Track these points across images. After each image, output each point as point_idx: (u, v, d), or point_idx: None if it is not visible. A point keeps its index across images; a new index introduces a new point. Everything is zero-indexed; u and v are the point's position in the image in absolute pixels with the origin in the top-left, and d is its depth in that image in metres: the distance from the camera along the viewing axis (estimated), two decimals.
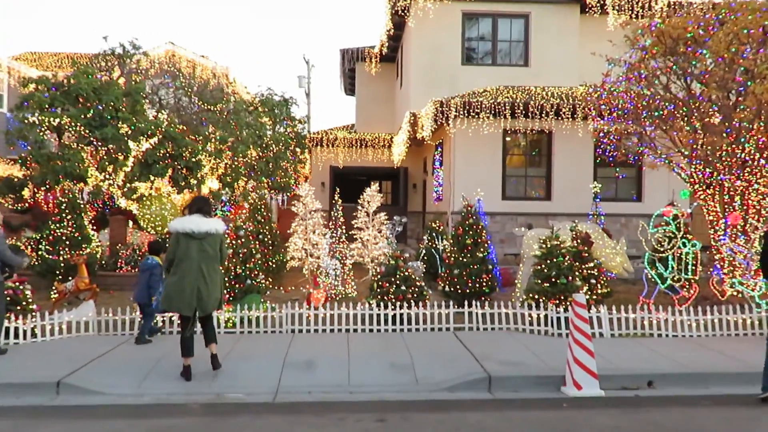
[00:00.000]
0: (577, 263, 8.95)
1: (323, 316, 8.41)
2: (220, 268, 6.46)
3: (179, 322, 6.48)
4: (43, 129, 12.50)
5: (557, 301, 8.26)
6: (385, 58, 20.42)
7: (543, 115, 13.43)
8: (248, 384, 6.21)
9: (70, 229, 11.12)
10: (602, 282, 9.23)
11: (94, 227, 13.53)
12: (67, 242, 11.05)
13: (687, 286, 8.99)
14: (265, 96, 15.46)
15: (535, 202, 14.23)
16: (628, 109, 9.65)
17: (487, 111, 13.35)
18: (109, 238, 13.50)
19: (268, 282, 12.05)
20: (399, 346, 7.54)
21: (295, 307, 8.42)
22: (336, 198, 11.80)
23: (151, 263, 7.47)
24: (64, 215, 11.16)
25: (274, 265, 12.18)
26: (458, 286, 9.45)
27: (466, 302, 8.79)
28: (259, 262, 9.52)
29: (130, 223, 14.02)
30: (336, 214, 11.64)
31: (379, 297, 8.66)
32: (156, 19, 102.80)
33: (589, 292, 8.79)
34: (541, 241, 8.80)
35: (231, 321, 8.32)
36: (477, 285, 9.43)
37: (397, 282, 8.68)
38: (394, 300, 8.52)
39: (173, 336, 8.02)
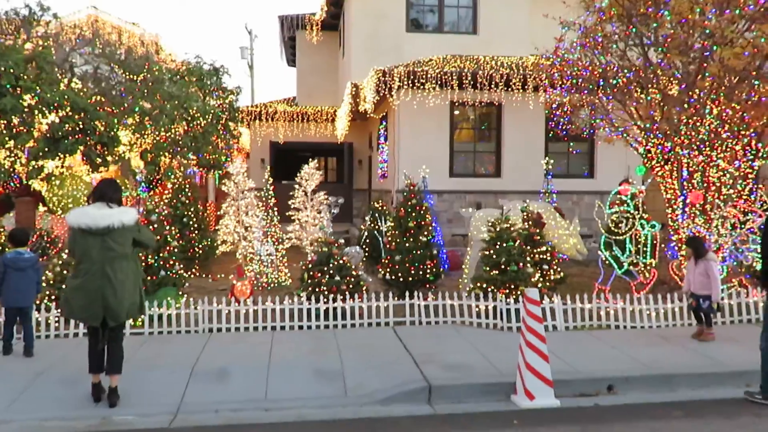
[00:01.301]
0: (529, 247, 8.18)
1: (245, 312, 7.40)
2: (138, 264, 5.31)
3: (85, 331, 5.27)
4: None
5: (507, 291, 7.47)
6: (327, 26, 19.17)
7: (492, 86, 12.57)
8: (144, 401, 5.18)
9: None
10: (555, 267, 8.50)
11: None
12: None
13: (644, 271, 8.34)
14: (192, 64, 14.07)
15: (484, 180, 13.44)
16: (583, 78, 8.84)
17: (433, 81, 12.40)
18: (15, 222, 12.04)
19: (193, 272, 10.95)
20: (329, 347, 6.61)
21: (213, 303, 7.37)
22: (267, 176, 10.69)
23: (28, 258, 6.17)
24: None
25: (200, 252, 11.03)
26: (400, 274, 8.56)
27: (407, 293, 7.93)
28: (176, 249, 8.40)
29: (41, 206, 12.58)
30: (267, 193, 10.52)
31: (309, 289, 7.70)
32: None
33: (542, 279, 8.03)
34: (490, 223, 7.97)
35: (138, 320, 7.22)
36: (420, 272, 8.56)
37: (331, 272, 7.73)
38: (326, 292, 7.57)
39: (62, 342, 6.88)
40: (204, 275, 11.16)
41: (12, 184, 12.61)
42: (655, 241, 8.18)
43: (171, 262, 8.26)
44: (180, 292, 8.46)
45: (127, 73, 13.70)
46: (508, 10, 15.27)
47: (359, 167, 19.47)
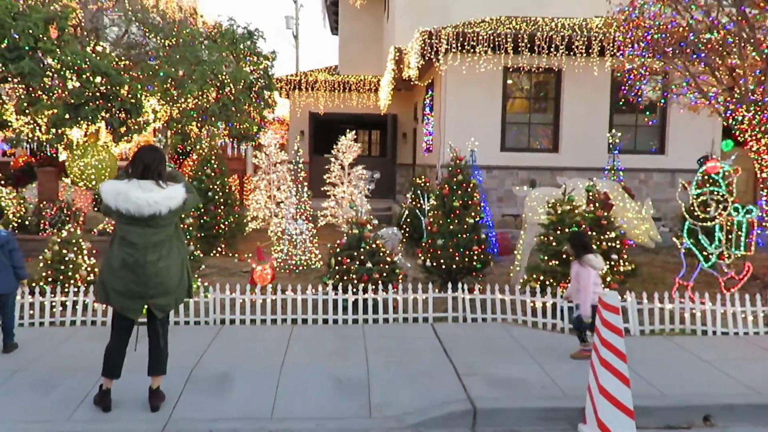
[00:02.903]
0: (595, 233, 6.93)
1: (261, 302, 6.44)
2: (182, 237, 4.42)
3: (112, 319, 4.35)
4: None
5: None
6: None
7: (552, 50, 11.19)
8: (127, 414, 4.28)
9: None
10: (625, 257, 7.23)
11: (16, 182, 11.51)
12: None
13: (736, 265, 7.00)
14: (225, 28, 13.08)
15: (539, 155, 12.12)
16: (666, 33, 7.42)
17: (485, 44, 11.09)
18: (38, 194, 11.44)
19: (218, 251, 10.09)
20: (355, 347, 5.59)
21: (226, 290, 6.44)
22: (297, 147, 9.67)
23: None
24: None
25: (226, 229, 10.14)
26: (442, 261, 7.43)
27: (450, 283, 6.84)
28: (191, 228, 7.49)
29: (64, 177, 11.94)
30: (296, 166, 9.51)
31: (337, 277, 6.68)
32: None
33: (610, 271, 6.79)
34: (549, 205, 6.76)
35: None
36: (466, 259, 7.42)
37: (362, 257, 6.68)
38: (356, 281, 6.54)
39: (56, 331, 6.06)
40: (231, 254, 10.29)
41: (34, 153, 12.03)
42: (751, 230, 6.80)
43: (185, 242, 7.36)
44: (196, 276, 7.61)
45: (158, 38, 12.84)
46: None
47: (403, 140, 18.32)
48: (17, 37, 10.37)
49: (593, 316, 5.15)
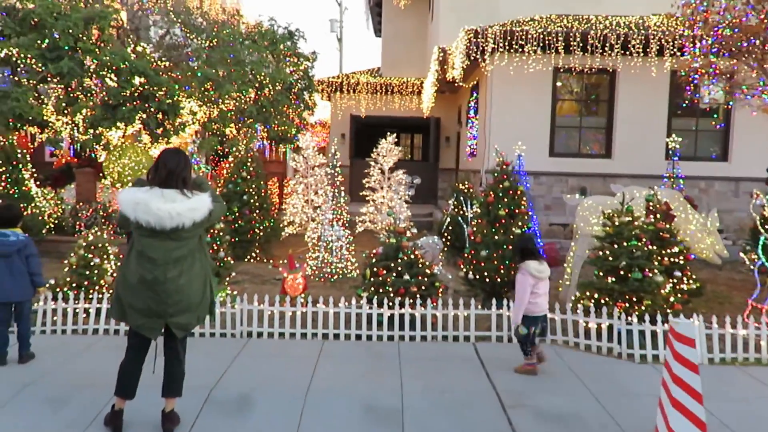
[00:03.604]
0: (656, 248, 6.29)
1: (291, 314, 6.03)
2: (206, 251, 3.97)
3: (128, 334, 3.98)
4: None
5: (627, 305, 5.69)
6: None
7: (606, 49, 10.52)
8: None
9: (3, 184, 8.92)
10: (689, 274, 6.58)
11: (54, 182, 11.46)
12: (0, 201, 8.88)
13: None
14: (265, 28, 12.85)
15: (590, 160, 11.43)
16: (741, 29, 6.72)
17: (534, 43, 10.51)
18: (75, 195, 11.37)
19: (253, 256, 9.77)
20: (389, 368, 5.12)
21: (254, 301, 6.06)
22: (335, 149, 9.27)
23: (15, 241, 4.96)
24: None
25: (260, 234, 9.82)
26: (486, 274, 6.90)
27: (495, 298, 6.31)
28: (221, 233, 7.16)
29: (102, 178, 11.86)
30: (334, 170, 9.11)
31: (372, 289, 6.22)
32: None
33: (673, 290, 6.14)
34: (605, 215, 6.16)
35: None
36: (512, 272, 6.86)
37: (399, 269, 6.21)
38: (392, 294, 6.07)
39: (77, 340, 5.77)
40: (265, 260, 9.96)
41: (77, 154, 12.00)
42: None
43: (215, 247, 7.05)
44: (226, 283, 7.28)
45: (199, 38, 12.69)
46: None
47: (446, 144, 17.79)
48: (57, 36, 10.32)
49: (537, 328, 5.01)
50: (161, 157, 3.79)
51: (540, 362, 5.15)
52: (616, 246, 5.87)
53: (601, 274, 5.93)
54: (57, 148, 11.48)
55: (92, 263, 6.33)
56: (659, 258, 6.20)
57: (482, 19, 12.19)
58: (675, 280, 6.30)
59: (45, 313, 6.01)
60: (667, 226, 6.57)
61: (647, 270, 5.71)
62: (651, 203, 6.73)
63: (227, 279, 7.40)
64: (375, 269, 6.29)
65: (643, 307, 5.64)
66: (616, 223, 5.93)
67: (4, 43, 10.23)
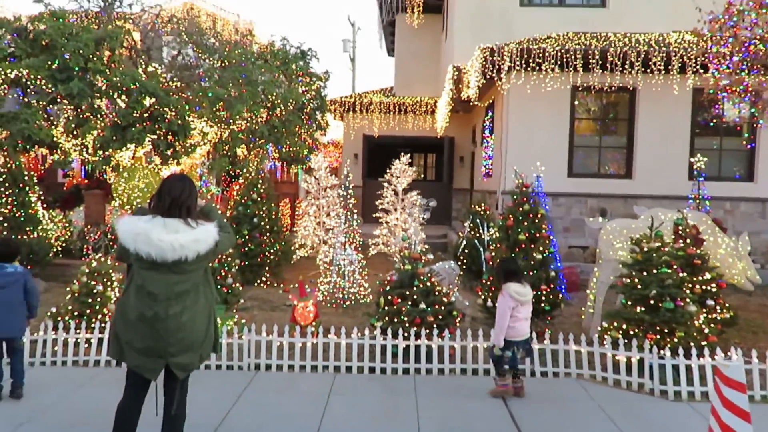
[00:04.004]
0: (688, 275, 5.94)
1: (301, 345, 5.73)
2: (211, 284, 3.66)
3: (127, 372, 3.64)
4: None
5: (658, 337, 5.33)
6: (429, 7, 17.36)
7: (626, 67, 10.23)
8: None
9: (9, 207, 8.74)
10: (722, 302, 6.21)
11: (63, 204, 11.30)
12: (6, 224, 8.70)
13: None
14: (277, 48, 12.71)
15: (610, 181, 11.08)
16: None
17: (552, 61, 10.24)
18: (84, 217, 11.19)
19: (263, 280, 9.49)
20: (404, 407, 4.79)
21: (262, 332, 5.76)
22: (346, 171, 9.02)
23: (12, 272, 4.67)
24: (2, 189, 8.76)
25: (271, 257, 9.54)
26: None
27: None
28: (230, 258, 6.90)
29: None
30: (346, 192, 8.86)
31: (386, 318, 5.91)
32: None
33: (706, 321, 5.77)
34: (633, 240, 5.83)
35: None
36: (533, 301, 6.53)
37: (414, 297, 5.91)
38: (407, 324, 5.76)
39: (77, 373, 5.50)
40: (276, 284, 9.68)
41: (89, 175, 11.86)
42: None
43: (223, 273, 6.79)
44: (234, 311, 7.01)
45: (211, 59, 12.58)
46: None
47: (460, 164, 17.52)
48: (68, 57, 10.21)
49: (518, 352, 4.87)
50: (164, 184, 3.53)
51: (517, 396, 4.97)
52: (645, 273, 5.53)
53: (629, 303, 5.58)
54: (67, 170, 11.33)
55: (95, 290, 6.08)
56: (691, 286, 5.84)
57: (497, 37, 11.95)
58: (708, 310, 5.93)
59: (45, 344, 5.76)
60: (698, 251, 6.22)
61: (680, 299, 5.36)
62: (680, 227, 6.39)
63: (235, 306, 7.13)
64: (389, 297, 5.98)
65: (675, 339, 5.29)
66: (645, 249, 5.60)
67: (14, 64, 10.14)
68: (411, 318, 5.77)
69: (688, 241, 6.28)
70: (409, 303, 5.88)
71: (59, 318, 5.99)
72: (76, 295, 6.08)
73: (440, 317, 5.86)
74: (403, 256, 6.18)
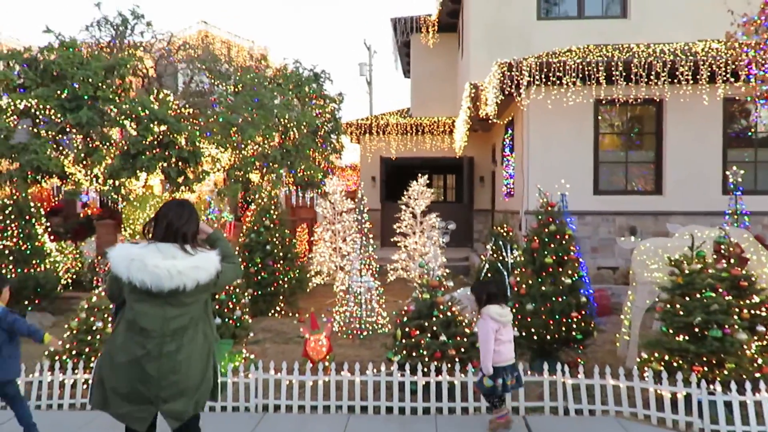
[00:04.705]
0: (734, 298, 5.40)
1: (312, 383, 5.30)
2: (210, 320, 3.29)
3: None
4: (8, 114, 10.03)
5: (706, 369, 4.80)
6: (444, 27, 17.12)
7: (651, 78, 9.78)
8: None
9: (15, 240, 8.50)
10: None
11: (75, 235, 11.08)
12: (11, 257, 8.44)
13: None
14: (290, 70, 12.49)
15: (639, 197, 10.56)
16: None
17: (573, 74, 9.83)
18: (96, 248, 10.95)
19: (277, 310, 9.11)
20: None
21: (270, 369, 5.35)
22: (361, 194, 8.66)
23: None
24: (8, 222, 8.53)
25: (285, 285, 9.16)
26: (533, 330, 6.09)
27: (545, 361, 5.49)
28: (238, 290, 6.53)
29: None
30: (361, 215, 8.48)
31: (404, 352, 5.46)
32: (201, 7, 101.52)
33: (759, 351, 5.22)
34: (671, 261, 5.32)
35: None
36: (563, 328, 6.04)
37: (434, 328, 5.45)
38: (427, 358, 5.30)
39: (76, 417, 5.12)
40: (291, 314, 9.28)
41: (104, 205, 11.66)
42: None
43: (230, 306, 6.41)
44: (244, 343, 6.61)
45: (224, 84, 12.40)
46: None
47: (480, 184, 17.07)
48: (77, 86, 10.07)
49: (507, 378, 4.53)
50: (161, 210, 3.23)
51: (506, 429, 4.62)
52: (687, 298, 5.02)
53: (670, 331, 5.06)
54: (87, 200, 11.15)
55: (95, 327, 5.73)
56: (738, 311, 5.30)
57: (515, 53, 11.58)
58: (759, 336, 5.38)
59: (41, 385, 5.41)
60: (744, 271, 5.69)
61: (728, 326, 4.83)
62: (723, 245, 5.87)
63: (245, 340, 6.73)
64: (407, 329, 5.53)
65: (725, 372, 4.75)
66: (687, 272, 5.09)
67: (24, 95, 10.02)
68: (431, 352, 5.31)
69: (732, 260, 5.75)
70: (429, 335, 5.42)
71: (56, 357, 5.64)
72: (75, 332, 5.73)
73: (463, 350, 5.39)
74: (421, 284, 5.74)
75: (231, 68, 13.36)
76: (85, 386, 5.44)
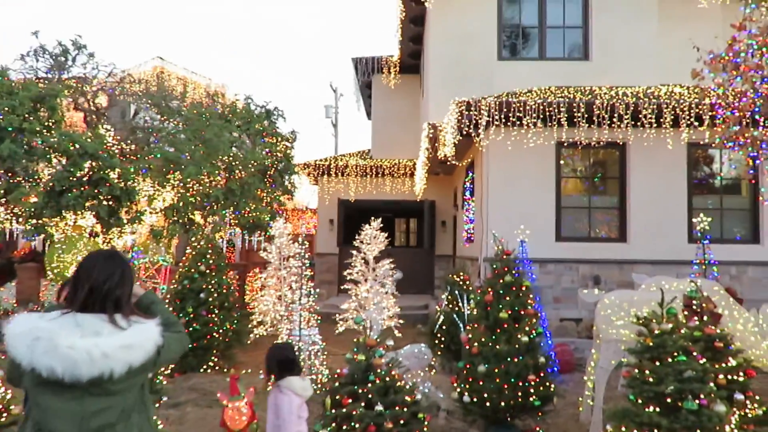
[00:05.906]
0: (708, 361, 4.77)
1: None
2: (149, 408, 2.39)
3: None
4: None
5: None
6: (406, 68, 16.79)
7: (614, 121, 9.39)
8: None
9: None
10: (752, 395, 5.02)
11: None
12: None
13: None
14: (241, 106, 11.86)
15: (603, 245, 10.03)
16: None
17: (534, 115, 9.38)
18: (16, 293, 9.93)
19: (210, 365, 8.22)
20: None
21: None
22: (300, 239, 7.94)
23: None
24: None
25: (220, 338, 8.29)
26: (486, 395, 5.35)
27: (498, 429, 4.75)
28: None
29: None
30: (302, 262, 7.75)
31: (334, 425, 4.66)
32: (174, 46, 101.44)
33: (738, 421, 4.57)
34: (638, 319, 4.68)
35: None
36: (519, 393, 5.33)
37: (369, 396, 4.67)
38: None
39: None
40: (227, 368, 8.39)
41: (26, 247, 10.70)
42: None
43: None
44: (156, 407, 5.72)
45: (170, 120, 11.69)
46: (630, 30, 12.13)
47: (442, 229, 16.50)
48: (0, 117, 9.25)
49: None
50: (82, 264, 2.36)
51: None
52: (657, 363, 4.36)
53: (639, 401, 4.38)
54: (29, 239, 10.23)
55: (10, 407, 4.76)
56: (714, 376, 4.67)
57: (475, 93, 11.13)
58: (737, 405, 4.74)
59: None
60: (719, 330, 5.09)
61: (704, 396, 4.17)
62: (694, 300, 5.27)
63: (158, 403, 5.85)
64: (338, 397, 4.74)
65: None
66: (657, 332, 4.45)
67: None
68: (364, 425, 4.51)
69: (704, 318, 5.15)
70: (363, 404, 4.64)
71: None
72: None
73: (402, 422, 4.61)
74: (356, 343, 4.98)
75: (182, 104, 12.70)
76: None
